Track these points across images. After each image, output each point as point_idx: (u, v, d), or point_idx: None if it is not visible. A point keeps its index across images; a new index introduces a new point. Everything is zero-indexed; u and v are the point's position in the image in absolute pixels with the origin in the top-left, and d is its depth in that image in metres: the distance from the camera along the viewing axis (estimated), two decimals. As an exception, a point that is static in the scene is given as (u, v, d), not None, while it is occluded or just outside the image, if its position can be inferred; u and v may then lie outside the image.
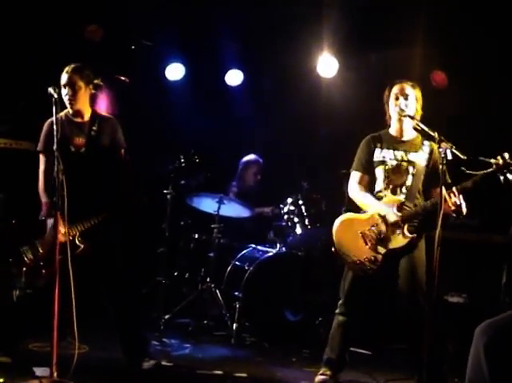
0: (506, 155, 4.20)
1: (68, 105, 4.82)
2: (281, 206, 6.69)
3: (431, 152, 4.79)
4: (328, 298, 5.44)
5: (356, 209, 4.89)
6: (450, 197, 4.35)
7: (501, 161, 4.20)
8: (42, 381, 4.31)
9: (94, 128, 4.83)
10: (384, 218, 4.67)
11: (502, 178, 4.20)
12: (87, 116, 4.88)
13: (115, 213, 4.85)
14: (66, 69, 4.82)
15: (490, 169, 4.24)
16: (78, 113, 4.85)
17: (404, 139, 4.85)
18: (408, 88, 4.79)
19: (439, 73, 7.05)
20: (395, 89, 4.82)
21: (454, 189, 4.38)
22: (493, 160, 4.23)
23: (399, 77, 4.90)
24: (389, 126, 4.91)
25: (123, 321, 4.91)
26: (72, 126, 4.84)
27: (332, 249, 4.85)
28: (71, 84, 4.78)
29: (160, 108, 7.72)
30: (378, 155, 4.83)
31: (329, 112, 7.27)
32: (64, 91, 4.77)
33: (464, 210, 4.41)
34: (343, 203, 5.23)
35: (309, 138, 7.58)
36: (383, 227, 4.67)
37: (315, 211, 6.72)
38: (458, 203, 4.37)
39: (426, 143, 4.82)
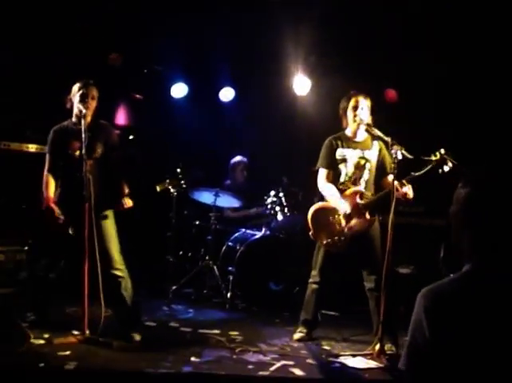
0: (442, 150, 4.32)
1: (82, 113, 4.48)
2: (265, 197, 6.69)
3: (380, 150, 4.89)
4: (304, 272, 5.48)
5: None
6: (401, 187, 4.45)
7: (438, 156, 4.32)
8: (77, 337, 4.42)
9: (89, 133, 4.45)
10: (344, 213, 4.75)
11: (440, 171, 4.33)
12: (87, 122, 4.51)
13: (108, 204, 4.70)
14: (86, 81, 4.62)
15: (430, 165, 4.35)
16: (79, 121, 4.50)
17: (358, 139, 4.93)
18: (362, 100, 4.83)
19: (391, 91, 7.03)
20: (353, 102, 4.83)
21: (403, 181, 4.46)
22: (433, 158, 4.34)
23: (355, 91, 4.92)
24: (345, 129, 4.97)
25: (119, 299, 4.63)
26: (72, 132, 4.60)
27: (310, 233, 4.91)
28: (93, 96, 4.61)
29: (167, 121, 7.71)
30: (340, 153, 4.88)
31: (304, 122, 7.31)
32: (83, 100, 4.54)
33: (411, 196, 4.50)
34: (316, 195, 5.30)
35: (289, 142, 7.62)
36: (343, 221, 4.77)
37: (294, 201, 6.76)
38: (408, 190, 4.46)
39: (375, 142, 4.91)
